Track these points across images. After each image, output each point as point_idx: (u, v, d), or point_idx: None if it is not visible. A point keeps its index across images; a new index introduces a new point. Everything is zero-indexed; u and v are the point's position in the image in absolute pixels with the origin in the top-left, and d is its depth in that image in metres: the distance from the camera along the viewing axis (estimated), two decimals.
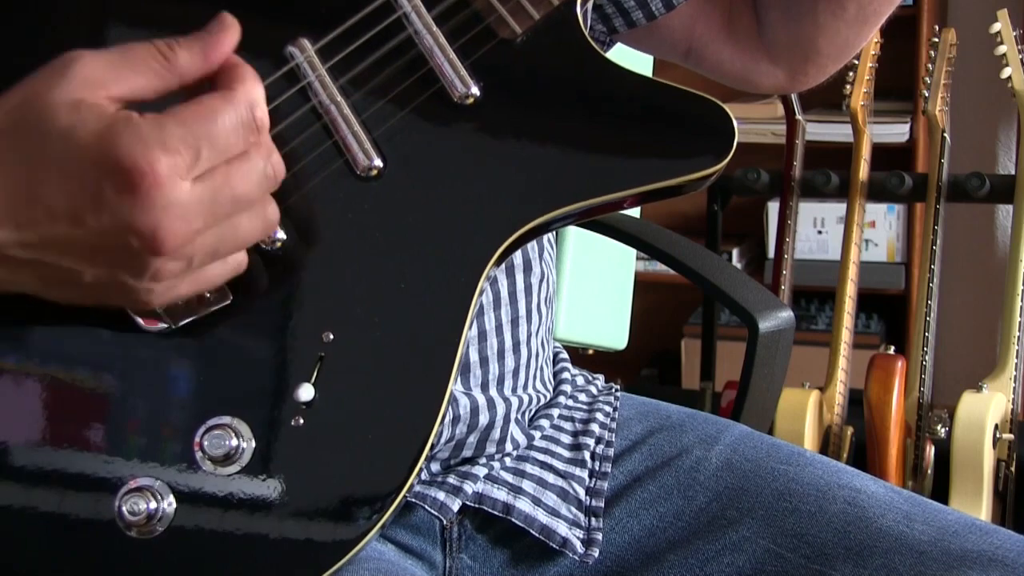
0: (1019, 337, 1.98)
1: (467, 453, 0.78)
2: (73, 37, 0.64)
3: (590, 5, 0.85)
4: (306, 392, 0.62)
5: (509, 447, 0.80)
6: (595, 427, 0.84)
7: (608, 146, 0.64)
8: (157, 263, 0.57)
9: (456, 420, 0.75)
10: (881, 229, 2.54)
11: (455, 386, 0.68)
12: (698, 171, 0.63)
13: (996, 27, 1.97)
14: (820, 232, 2.58)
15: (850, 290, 2.06)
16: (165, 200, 0.55)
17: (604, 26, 0.90)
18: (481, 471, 0.77)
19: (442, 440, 0.76)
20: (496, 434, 0.78)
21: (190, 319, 0.62)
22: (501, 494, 0.78)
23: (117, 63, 0.57)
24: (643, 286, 1.97)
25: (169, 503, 0.61)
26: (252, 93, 0.58)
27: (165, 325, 0.62)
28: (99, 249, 0.56)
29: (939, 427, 1.98)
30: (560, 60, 0.65)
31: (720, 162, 0.63)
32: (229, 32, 0.59)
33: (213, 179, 0.56)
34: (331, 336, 0.62)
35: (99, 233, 0.56)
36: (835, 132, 2.40)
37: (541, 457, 0.82)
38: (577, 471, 0.82)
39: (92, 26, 0.65)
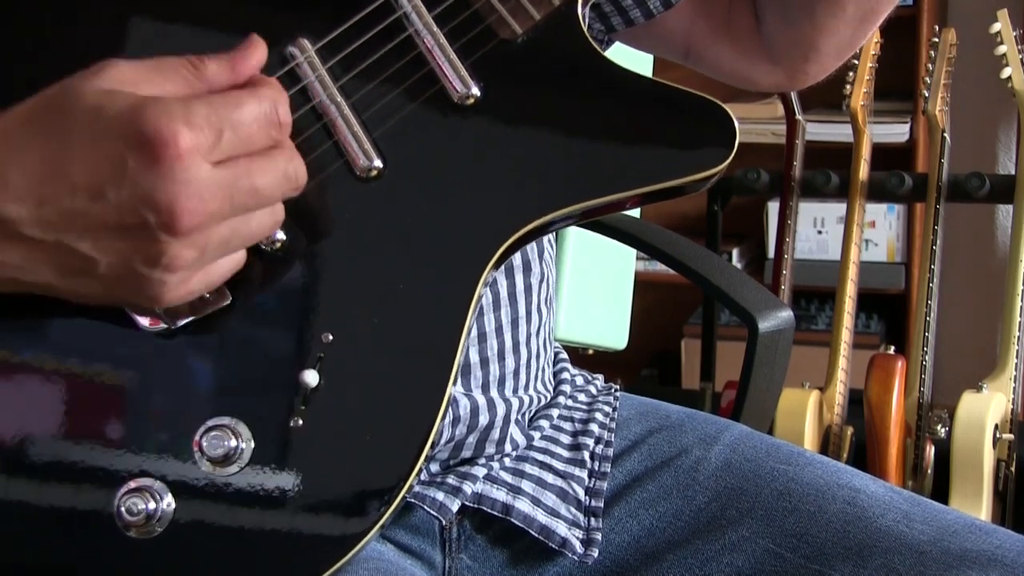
0: (1019, 337, 1.98)
1: (466, 454, 0.78)
2: (86, 43, 0.64)
3: (589, 5, 0.85)
4: (311, 377, 0.62)
5: (508, 448, 0.80)
6: (594, 427, 0.84)
7: (609, 147, 0.64)
8: (172, 247, 0.57)
9: (456, 421, 0.75)
10: (881, 229, 2.54)
11: (455, 387, 0.68)
12: (699, 172, 0.63)
13: (996, 27, 1.97)
14: (820, 232, 2.58)
15: (850, 290, 2.06)
16: (185, 175, 0.55)
17: (602, 24, 0.90)
18: (480, 471, 0.77)
19: (442, 441, 0.76)
20: (496, 435, 0.78)
21: (189, 319, 0.62)
22: (500, 494, 0.78)
23: (149, 68, 0.58)
24: (643, 286, 1.97)
25: (168, 503, 0.61)
26: (277, 94, 0.59)
27: (164, 325, 0.62)
28: (117, 228, 0.56)
29: (939, 427, 1.98)
30: (561, 60, 0.65)
31: (722, 163, 0.63)
32: (257, 49, 0.61)
33: (235, 167, 0.57)
34: (331, 337, 0.62)
35: (117, 206, 0.56)
36: (835, 132, 2.40)
37: (540, 457, 0.82)
38: (576, 471, 0.82)
39: (102, 33, 0.65)
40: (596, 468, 0.82)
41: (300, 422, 0.61)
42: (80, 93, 0.57)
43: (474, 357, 0.77)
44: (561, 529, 0.78)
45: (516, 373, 0.80)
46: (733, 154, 0.63)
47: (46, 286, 0.60)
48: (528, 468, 0.80)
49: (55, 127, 0.57)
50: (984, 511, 1.88)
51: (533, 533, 0.77)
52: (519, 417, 0.81)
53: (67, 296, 0.60)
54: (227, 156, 0.57)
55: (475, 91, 0.64)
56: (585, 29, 0.65)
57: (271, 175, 0.59)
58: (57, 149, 0.56)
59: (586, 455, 0.83)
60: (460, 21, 0.64)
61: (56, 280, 0.59)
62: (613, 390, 0.90)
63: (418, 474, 0.62)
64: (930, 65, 2.06)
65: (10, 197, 0.56)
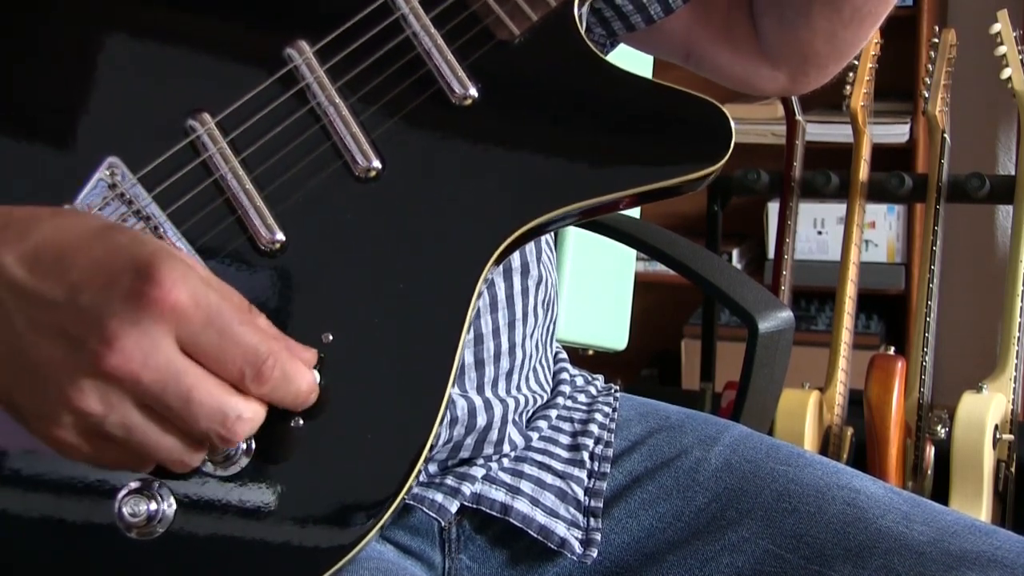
0: (1019, 337, 1.98)
1: (465, 454, 0.78)
2: (77, 44, 0.64)
3: (587, 7, 0.85)
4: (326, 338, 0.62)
5: (507, 448, 0.80)
6: (594, 427, 0.84)
7: (605, 147, 0.64)
8: (84, 380, 0.54)
9: (454, 422, 0.75)
10: (881, 229, 2.54)
11: (452, 388, 0.68)
12: (695, 172, 0.63)
13: (996, 27, 1.98)
14: (820, 232, 2.58)
15: (850, 290, 2.06)
16: (150, 329, 0.54)
17: (603, 29, 0.90)
18: (479, 472, 0.77)
19: (440, 442, 0.76)
20: (494, 435, 0.78)
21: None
22: (499, 495, 0.78)
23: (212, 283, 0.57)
24: (643, 286, 1.97)
25: (169, 504, 0.61)
26: (286, 358, 0.57)
27: None
28: (59, 329, 0.55)
29: (939, 427, 1.98)
30: (558, 61, 0.65)
31: (717, 163, 0.63)
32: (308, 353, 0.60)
33: (188, 366, 0.55)
34: (330, 337, 0.62)
35: (78, 311, 0.54)
36: (835, 132, 2.40)
37: (539, 458, 0.82)
38: (576, 471, 0.82)
39: (95, 35, 0.64)
40: (595, 468, 0.82)
41: (300, 422, 0.62)
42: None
43: (469, 359, 0.77)
44: (560, 529, 0.78)
45: (510, 374, 0.80)
46: (729, 154, 0.63)
47: None
48: (527, 468, 0.80)
49: (84, 223, 0.57)
50: (984, 511, 1.88)
51: (532, 533, 0.77)
52: (516, 417, 0.81)
53: None
54: (193, 352, 0.55)
55: (473, 92, 0.64)
56: (582, 30, 0.65)
57: (213, 400, 0.55)
58: (72, 238, 0.56)
59: (585, 455, 0.83)
60: (458, 22, 0.64)
61: None
62: (613, 390, 0.90)
63: (418, 475, 0.62)
64: (930, 65, 2.06)
65: (9, 250, 0.56)
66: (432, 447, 0.63)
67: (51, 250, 0.56)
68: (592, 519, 0.79)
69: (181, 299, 0.54)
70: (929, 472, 2.02)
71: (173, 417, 0.56)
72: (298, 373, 0.58)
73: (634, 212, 1.45)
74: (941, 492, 1.93)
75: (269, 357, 0.56)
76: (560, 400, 0.86)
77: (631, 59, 0.89)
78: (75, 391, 0.54)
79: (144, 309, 0.54)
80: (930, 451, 2.02)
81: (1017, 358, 1.97)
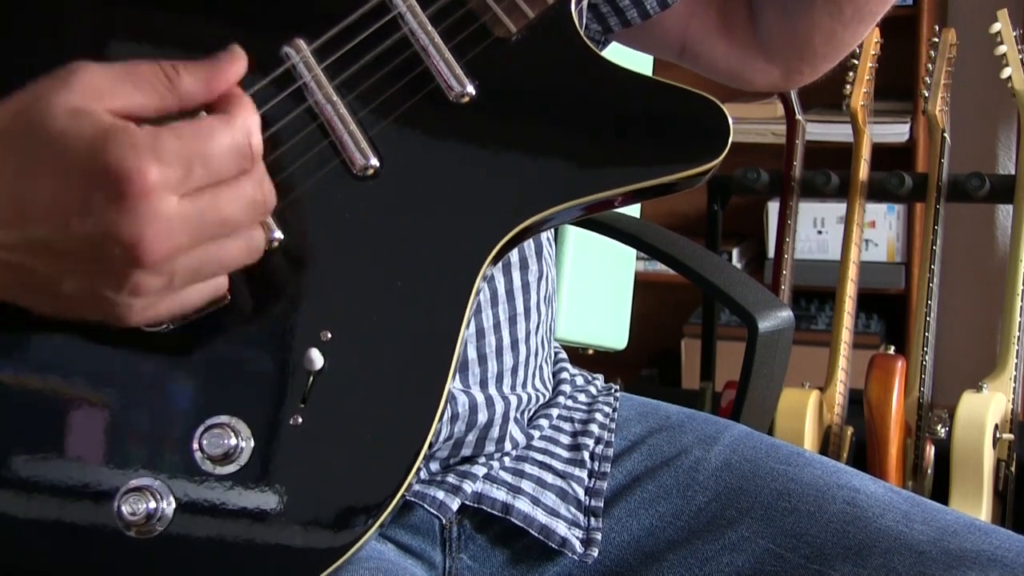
0: (1019, 337, 1.98)
1: (466, 452, 0.78)
2: (75, 43, 0.64)
3: (585, 3, 0.85)
4: (317, 357, 0.62)
5: (508, 446, 0.80)
6: (594, 427, 0.84)
7: (603, 143, 0.64)
8: (137, 276, 0.56)
9: (455, 418, 0.75)
10: (881, 229, 2.54)
11: (453, 384, 0.68)
12: (692, 168, 0.63)
13: (996, 27, 1.98)
14: (820, 232, 2.58)
15: (850, 290, 2.06)
16: (152, 211, 0.55)
17: (599, 25, 0.91)
18: (480, 470, 0.77)
19: (441, 438, 0.76)
20: (495, 433, 0.78)
21: (187, 319, 0.62)
22: (500, 494, 0.78)
23: (120, 77, 0.57)
24: (643, 286, 1.97)
25: (168, 503, 0.61)
26: (249, 120, 0.58)
27: (164, 325, 0.62)
28: (80, 257, 0.56)
29: (939, 427, 1.98)
30: (555, 58, 0.65)
31: (715, 159, 0.63)
32: (236, 63, 0.60)
33: (201, 199, 0.56)
34: (329, 335, 0.62)
35: (82, 238, 0.55)
36: (835, 132, 2.40)
37: (540, 457, 0.82)
38: (576, 471, 0.82)
39: (94, 33, 0.64)
40: (596, 468, 0.82)
41: (299, 420, 0.61)
42: (49, 111, 0.55)
43: (472, 353, 0.77)
44: (561, 529, 0.78)
45: (515, 370, 0.80)
46: (726, 151, 0.63)
47: (8, 298, 0.60)
48: (528, 468, 0.80)
49: (19, 150, 0.56)
50: (984, 511, 1.88)
51: (533, 533, 0.77)
52: (518, 415, 0.81)
53: (35, 308, 0.60)
54: (195, 188, 0.56)
55: (470, 89, 0.64)
56: (579, 26, 0.65)
57: (239, 203, 0.58)
58: (22, 173, 0.56)
59: (586, 455, 0.83)
60: (455, 20, 0.64)
61: (22, 296, 0.59)
62: (613, 390, 0.90)
63: (418, 471, 0.62)
64: (930, 65, 2.06)
65: None
66: (432, 443, 0.63)
67: (9, 202, 0.56)
68: (593, 519, 0.79)
69: (153, 171, 0.54)
70: (929, 472, 2.02)
71: (223, 237, 0.58)
72: (253, 116, 0.59)
73: (634, 211, 1.45)
74: (941, 492, 1.93)
75: (246, 137, 0.57)
76: (561, 399, 0.86)
77: (631, 58, 0.89)
78: (134, 286, 0.57)
79: (132, 203, 0.54)
80: (930, 451, 2.02)
81: (1017, 357, 1.97)
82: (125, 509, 0.60)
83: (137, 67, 0.58)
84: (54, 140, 0.55)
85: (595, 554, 0.78)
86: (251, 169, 0.58)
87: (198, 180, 0.56)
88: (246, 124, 0.58)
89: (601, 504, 0.80)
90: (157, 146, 0.55)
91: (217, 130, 0.57)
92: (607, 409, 0.87)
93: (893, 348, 2.01)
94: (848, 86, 2.07)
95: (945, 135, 2.05)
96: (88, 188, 0.55)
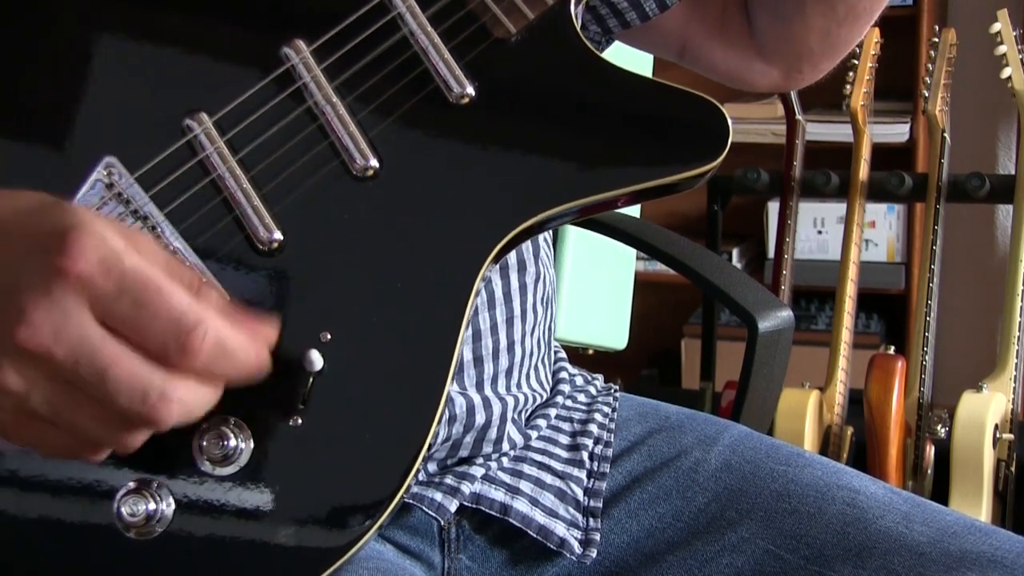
0: (1019, 337, 1.98)
1: (464, 453, 0.78)
2: (75, 43, 0.64)
3: (583, 5, 0.85)
4: (317, 359, 0.61)
5: (506, 447, 0.80)
6: (593, 427, 0.84)
7: (603, 144, 0.64)
8: (5, 359, 0.51)
9: (452, 420, 0.75)
10: (881, 229, 2.54)
11: (451, 386, 0.68)
12: (692, 169, 0.63)
13: (996, 27, 1.98)
14: (820, 232, 2.58)
15: (850, 290, 2.06)
16: (65, 295, 0.51)
17: (599, 26, 0.91)
18: (478, 471, 0.77)
19: (439, 440, 0.76)
20: (493, 434, 0.78)
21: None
22: (498, 494, 0.78)
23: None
24: (643, 286, 1.97)
25: (168, 504, 0.61)
26: (223, 328, 0.53)
27: None
28: None
29: (939, 427, 1.99)
30: (554, 59, 0.65)
31: (714, 160, 0.63)
32: (266, 329, 0.57)
33: (102, 339, 0.51)
34: (329, 336, 0.62)
35: None
36: (835, 132, 2.40)
37: (539, 457, 0.81)
38: (575, 471, 0.82)
39: (94, 33, 0.64)
40: (595, 468, 0.82)
41: (299, 421, 0.61)
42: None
43: (468, 356, 0.77)
44: (559, 529, 0.78)
45: (510, 371, 0.80)
46: (726, 152, 0.63)
47: None
48: (526, 468, 0.80)
49: (18, 202, 0.54)
50: (984, 511, 1.88)
51: (531, 533, 0.77)
52: (516, 416, 0.81)
53: None
54: (115, 325, 0.51)
55: (470, 90, 0.64)
56: (579, 28, 0.65)
57: (129, 379, 0.51)
58: (5, 217, 0.53)
59: (585, 455, 0.83)
60: (454, 21, 0.64)
61: None
62: (613, 390, 0.90)
63: (416, 473, 0.62)
64: (930, 65, 2.06)
65: None
66: (431, 445, 0.63)
67: None
68: (591, 519, 0.79)
69: (88, 267, 0.50)
70: (929, 472, 2.02)
71: (93, 394, 0.52)
72: (238, 345, 0.54)
73: (634, 211, 1.45)
74: (941, 492, 1.93)
75: (197, 327, 0.51)
76: (559, 399, 0.86)
77: (631, 58, 0.89)
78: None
79: (53, 279, 0.50)
80: (930, 451, 2.02)
81: (1017, 357, 1.97)
82: (125, 510, 0.60)
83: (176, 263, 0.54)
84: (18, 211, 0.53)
85: (594, 555, 0.78)
86: (178, 367, 0.52)
87: (120, 316, 0.51)
88: (216, 326, 0.52)
89: (600, 505, 0.80)
90: (115, 253, 0.51)
91: (177, 295, 0.52)
92: (606, 409, 0.87)
93: (893, 348, 2.02)
94: (848, 86, 2.07)
95: (945, 135, 2.05)
96: (34, 248, 0.51)
